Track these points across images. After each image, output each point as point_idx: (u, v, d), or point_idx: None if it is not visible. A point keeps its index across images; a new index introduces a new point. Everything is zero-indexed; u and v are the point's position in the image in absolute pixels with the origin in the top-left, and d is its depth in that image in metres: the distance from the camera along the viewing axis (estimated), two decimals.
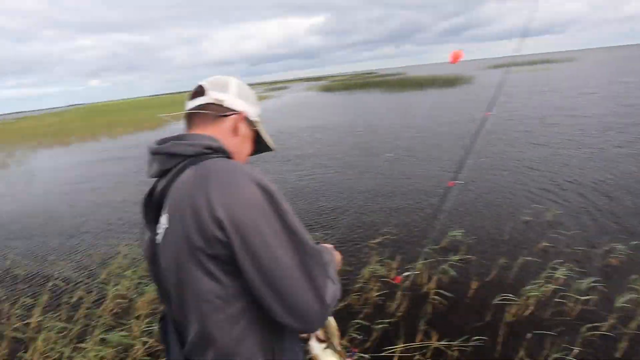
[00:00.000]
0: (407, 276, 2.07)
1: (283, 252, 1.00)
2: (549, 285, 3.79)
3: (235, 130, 1.28)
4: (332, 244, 1.42)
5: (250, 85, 1.40)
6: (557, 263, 4.20)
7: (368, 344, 3.33)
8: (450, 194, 3.37)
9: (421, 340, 3.31)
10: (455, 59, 2.49)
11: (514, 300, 3.64)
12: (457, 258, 4.54)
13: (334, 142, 13.29)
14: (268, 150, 1.50)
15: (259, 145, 1.45)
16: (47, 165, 16.02)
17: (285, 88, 77.18)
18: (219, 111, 1.26)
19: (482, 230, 5.38)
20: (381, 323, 3.50)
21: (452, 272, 4.23)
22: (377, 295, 4.00)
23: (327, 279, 1.07)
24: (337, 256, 1.42)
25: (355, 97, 32.59)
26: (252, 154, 1.42)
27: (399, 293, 3.94)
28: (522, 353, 3.01)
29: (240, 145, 1.31)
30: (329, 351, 1.40)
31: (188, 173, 1.07)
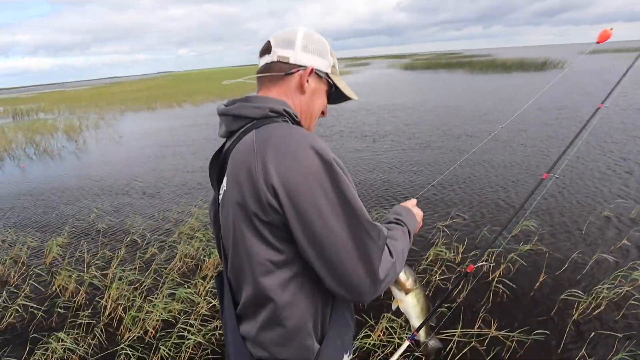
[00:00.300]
0: (481, 267, 2.04)
1: (336, 223, 0.99)
2: (623, 286, 3.61)
3: (301, 87, 1.23)
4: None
5: None
6: (637, 264, 3.97)
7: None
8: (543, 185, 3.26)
9: (479, 328, 3.30)
10: (603, 38, 2.33)
11: (582, 297, 3.51)
12: (528, 248, 4.42)
13: (414, 121, 13.06)
14: (347, 100, 1.39)
15: (338, 96, 1.37)
16: (134, 128, 17.06)
17: (366, 64, 76.35)
18: (284, 69, 1.21)
19: (557, 221, 5.16)
20: (440, 306, 3.51)
21: (521, 262, 4.13)
22: (441, 279, 4.00)
23: (384, 253, 1.06)
24: (418, 214, 1.43)
25: (438, 76, 31.62)
26: (332, 103, 1.39)
27: (464, 280, 3.91)
28: (584, 352, 2.92)
29: (309, 102, 1.26)
30: (410, 295, 1.53)
31: (250, 137, 1.07)
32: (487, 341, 3.16)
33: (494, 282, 3.86)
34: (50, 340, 3.41)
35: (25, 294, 4.26)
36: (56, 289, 4.37)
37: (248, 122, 1.14)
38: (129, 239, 5.56)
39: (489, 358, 2.99)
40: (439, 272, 4.10)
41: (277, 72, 1.21)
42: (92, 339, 3.48)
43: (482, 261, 2.07)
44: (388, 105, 17.18)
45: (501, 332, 3.20)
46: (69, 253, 5.24)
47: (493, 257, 4.22)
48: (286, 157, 0.98)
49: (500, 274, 3.99)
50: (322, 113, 1.35)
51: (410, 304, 1.53)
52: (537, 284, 3.82)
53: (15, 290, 4.39)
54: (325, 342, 1.18)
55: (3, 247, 5.65)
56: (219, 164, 1.23)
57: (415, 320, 1.59)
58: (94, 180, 9.13)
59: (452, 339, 3.16)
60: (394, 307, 1.57)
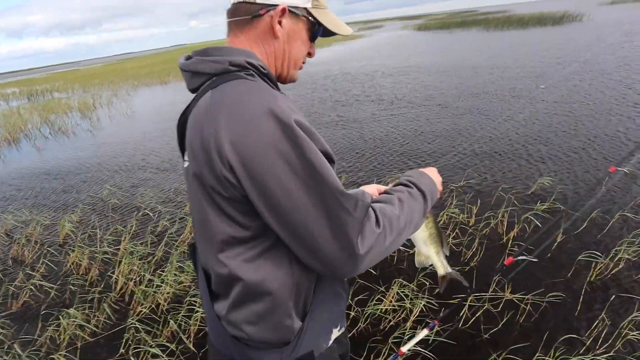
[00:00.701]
0: (522, 261, 1.88)
1: (302, 194, 0.88)
2: None
3: (272, 31, 1.06)
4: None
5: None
6: None
7: (437, 290, 3.29)
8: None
9: (494, 292, 3.21)
10: None
11: (600, 258, 3.37)
12: (544, 207, 4.27)
13: (430, 82, 12.70)
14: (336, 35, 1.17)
15: (326, 32, 1.15)
16: (146, 103, 17.07)
17: (379, 27, 74.86)
18: (250, 11, 1.04)
19: (575, 177, 4.98)
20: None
21: (536, 222, 4.00)
22: (454, 242, 3.91)
23: (367, 224, 0.93)
24: (436, 178, 1.24)
25: (453, 36, 30.63)
26: (325, 36, 1.18)
27: (476, 241, 3.82)
28: (603, 314, 2.81)
29: (285, 47, 1.10)
30: (426, 244, 1.42)
31: (204, 99, 0.95)
32: (501, 305, 3.08)
33: (509, 245, 3.76)
34: (60, 317, 3.43)
35: (40, 273, 4.31)
36: (70, 266, 4.40)
37: (207, 78, 1.01)
38: (140, 213, 5.56)
39: (502, 322, 2.91)
40: (452, 235, 4.00)
41: (243, 15, 1.05)
42: (102, 315, 3.49)
43: (523, 255, 1.90)
44: (404, 67, 16.75)
45: (515, 296, 3.11)
46: (82, 230, 5.27)
47: (508, 218, 4.10)
48: (240, 124, 0.86)
49: (515, 235, 3.88)
50: (309, 54, 1.18)
51: (419, 234, 1.41)
52: (554, 244, 3.69)
53: (30, 270, 4.43)
54: (309, 318, 1.09)
55: (18, 227, 5.70)
56: (180, 129, 1.11)
57: (425, 247, 1.45)
58: (110, 156, 9.16)
59: (465, 303, 3.08)
60: None
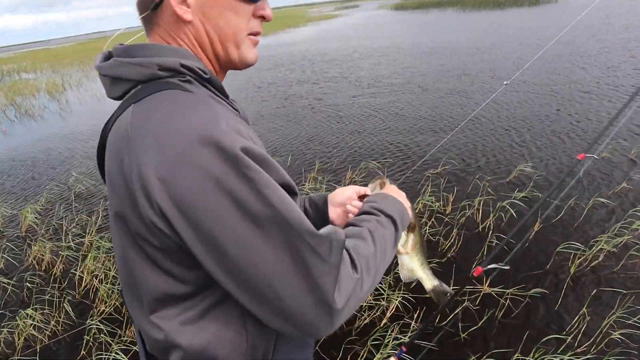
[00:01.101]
0: (492, 270, 1.74)
1: (260, 242, 0.68)
2: (623, 236, 3.38)
3: (179, 17, 0.80)
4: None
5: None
6: (638, 211, 3.73)
7: (414, 284, 3.18)
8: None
9: (472, 285, 3.11)
10: None
11: (580, 250, 3.29)
12: (522, 195, 4.19)
13: (410, 64, 12.56)
14: None
15: None
16: None
17: (356, 7, 74.17)
18: (148, 3, 0.81)
19: (553, 165, 4.91)
20: (430, 262, 3.30)
21: (512, 211, 3.91)
22: (431, 232, 3.80)
23: (342, 269, 0.75)
24: (401, 197, 1.07)
25: (430, 16, 30.64)
26: None
27: (454, 231, 3.72)
28: (584, 310, 2.74)
29: (208, 27, 0.83)
30: (410, 256, 1.24)
31: (125, 117, 0.74)
32: (479, 299, 2.99)
33: (486, 234, 3.67)
34: (17, 317, 3.23)
35: None
36: (32, 261, 4.18)
37: (131, 85, 0.79)
38: (107, 202, 5.31)
39: (482, 320, 2.81)
40: (428, 224, 3.89)
41: (146, 9, 0.82)
42: (63, 315, 3.30)
43: (493, 264, 1.75)
44: (382, 47, 16.57)
45: (495, 289, 3.02)
46: (46, 221, 5.00)
47: (484, 207, 4.01)
48: (170, 155, 0.65)
49: (492, 224, 3.79)
50: (262, 18, 0.90)
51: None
52: (532, 234, 3.61)
53: None
54: None
55: None
56: (101, 150, 0.86)
57: (408, 259, 1.31)
58: (80, 140, 8.82)
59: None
60: None
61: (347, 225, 0.94)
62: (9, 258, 4.28)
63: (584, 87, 7.82)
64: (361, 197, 1.19)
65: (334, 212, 1.20)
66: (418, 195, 4.39)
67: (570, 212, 3.87)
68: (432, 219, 3.99)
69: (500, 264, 1.88)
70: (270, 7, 0.90)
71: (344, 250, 0.77)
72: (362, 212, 0.98)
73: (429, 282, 1.31)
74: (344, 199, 1.19)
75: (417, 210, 4.12)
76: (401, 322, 2.86)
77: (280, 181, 0.74)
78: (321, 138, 6.88)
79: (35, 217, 5.06)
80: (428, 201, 4.24)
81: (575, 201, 3.99)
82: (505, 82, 2.98)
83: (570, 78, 8.53)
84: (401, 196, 1.08)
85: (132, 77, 0.78)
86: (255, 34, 0.90)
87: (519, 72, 3.56)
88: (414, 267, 1.28)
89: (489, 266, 1.87)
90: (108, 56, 0.84)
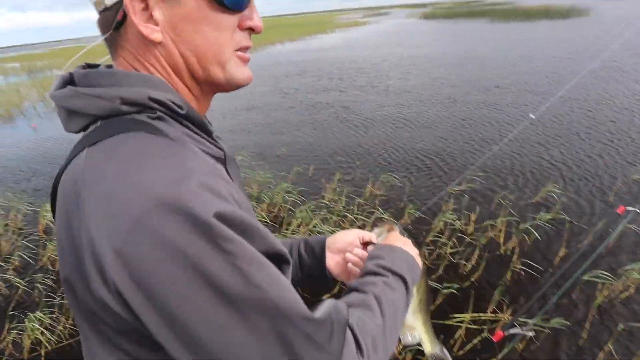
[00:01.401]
0: (514, 335, 1.57)
1: (242, 333, 0.55)
2: None
3: (146, 38, 0.66)
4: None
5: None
6: None
7: (433, 309, 3.07)
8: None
9: (493, 312, 2.99)
10: None
11: (609, 278, 3.13)
12: (548, 217, 4.02)
13: (440, 74, 12.40)
14: None
15: None
16: None
17: (385, 14, 74.04)
18: (109, 21, 0.67)
19: (584, 187, 4.73)
20: (450, 287, 3.19)
21: (536, 235, 3.76)
22: (451, 253, 3.69)
23: (345, 353, 0.62)
24: (410, 249, 0.96)
25: (460, 26, 30.29)
26: None
27: (475, 252, 3.59)
28: (609, 346, 2.59)
29: (181, 47, 0.68)
30: (413, 312, 1.08)
31: (77, 165, 0.61)
32: (500, 327, 2.85)
33: (510, 258, 3.53)
34: (25, 320, 3.23)
35: (14, 266, 4.13)
36: (46, 262, 4.20)
37: (90, 120, 0.66)
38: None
39: (502, 355, 2.66)
40: (449, 245, 3.77)
41: (107, 29, 0.68)
42: (70, 319, 3.29)
43: (515, 327, 1.57)
44: (412, 57, 16.41)
45: (517, 319, 2.88)
46: None
47: (507, 227, 3.88)
48: (124, 222, 0.52)
49: (516, 246, 3.66)
50: (251, 30, 0.73)
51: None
52: (557, 259, 3.47)
53: (3, 263, 4.24)
54: None
55: (1, 214, 5.48)
56: (53, 195, 0.71)
57: (411, 316, 1.17)
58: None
59: (460, 326, 2.87)
60: None
61: (350, 290, 0.83)
62: (25, 256, 4.30)
63: (624, 106, 7.56)
64: (365, 244, 1.06)
65: (332, 260, 1.07)
66: (439, 211, 4.27)
67: (601, 236, 3.69)
68: (453, 238, 3.87)
69: (524, 328, 1.74)
70: (261, 17, 0.74)
71: (347, 329, 0.66)
72: (367, 272, 0.87)
73: (431, 346, 1.16)
74: (345, 245, 1.06)
75: (437, 230, 4.01)
76: None
77: (268, 250, 0.61)
78: (345, 148, 6.79)
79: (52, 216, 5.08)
80: (449, 219, 4.11)
81: (604, 227, 3.81)
82: (531, 116, 2.81)
83: (612, 94, 8.27)
84: (407, 244, 0.97)
85: (89, 111, 0.65)
86: (244, 49, 0.74)
87: (562, 92, 3.40)
88: (416, 325, 1.14)
89: (511, 331, 1.71)
90: (65, 83, 0.69)
